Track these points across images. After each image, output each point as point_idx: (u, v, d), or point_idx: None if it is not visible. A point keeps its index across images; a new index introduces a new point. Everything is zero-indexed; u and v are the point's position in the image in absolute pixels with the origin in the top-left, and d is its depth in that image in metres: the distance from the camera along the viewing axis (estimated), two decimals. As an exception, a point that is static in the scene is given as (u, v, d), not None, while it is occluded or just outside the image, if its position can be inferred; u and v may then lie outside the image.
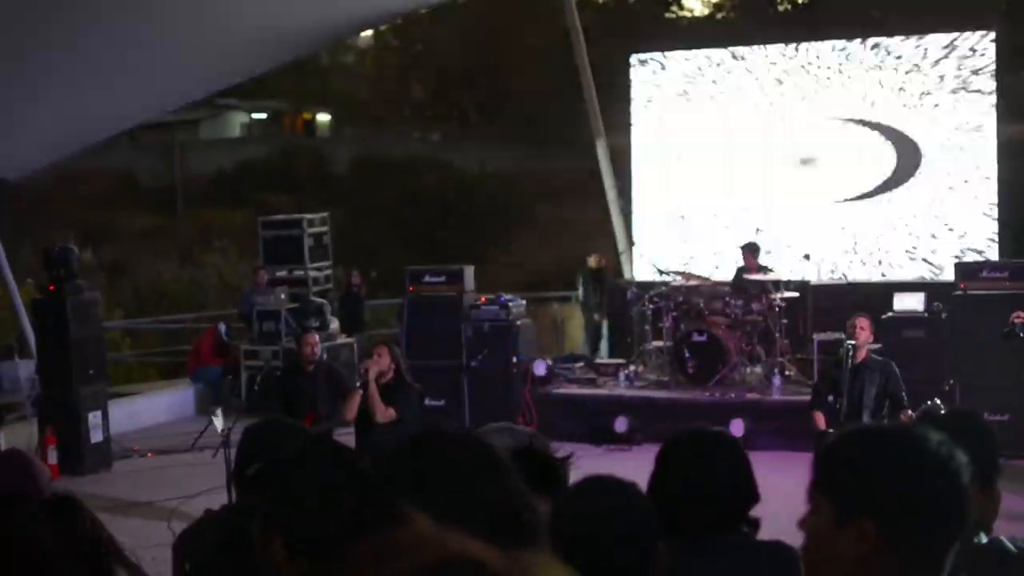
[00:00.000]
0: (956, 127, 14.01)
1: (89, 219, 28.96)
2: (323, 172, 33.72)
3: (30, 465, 3.69)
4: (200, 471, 10.16)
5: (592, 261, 16.01)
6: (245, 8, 11.94)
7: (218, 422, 8.24)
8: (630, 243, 15.73)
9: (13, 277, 14.72)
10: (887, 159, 14.35)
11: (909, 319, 11.61)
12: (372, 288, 19.20)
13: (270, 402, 9.44)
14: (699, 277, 13.01)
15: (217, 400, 13.24)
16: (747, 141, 14.78)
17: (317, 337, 9.93)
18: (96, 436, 11.67)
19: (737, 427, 10.93)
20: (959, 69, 14.00)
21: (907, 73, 14.22)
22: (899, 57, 14.31)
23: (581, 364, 13.98)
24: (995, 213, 13.95)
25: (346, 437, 8.45)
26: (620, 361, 13.51)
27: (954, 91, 14.01)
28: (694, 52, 15.52)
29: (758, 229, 13.45)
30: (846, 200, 14.44)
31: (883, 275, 14.13)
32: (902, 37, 14.40)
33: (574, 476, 2.49)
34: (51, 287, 11.65)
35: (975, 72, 13.95)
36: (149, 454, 12.34)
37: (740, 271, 13.20)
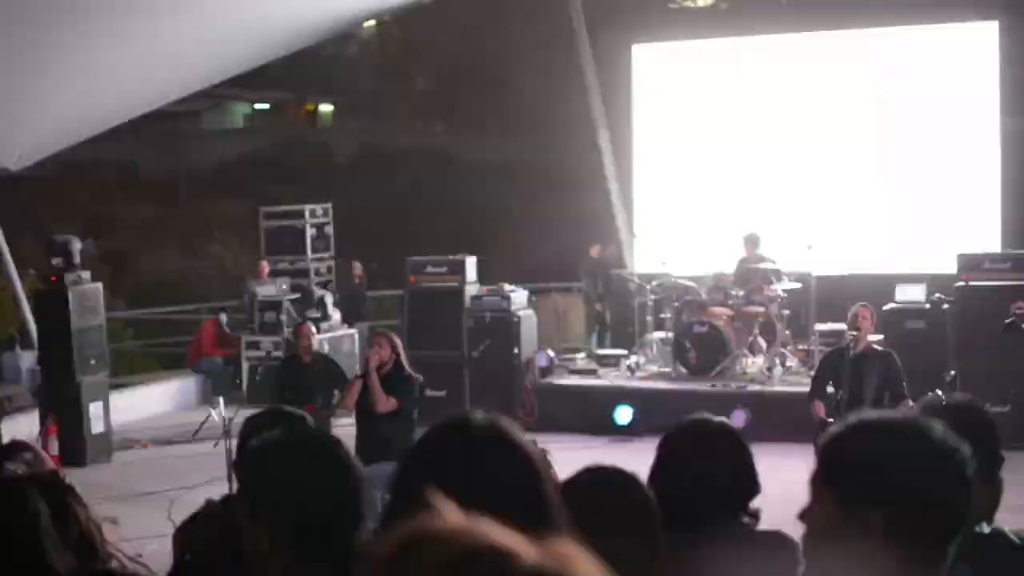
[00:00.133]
0: (959, 117, 13.99)
1: (91, 210, 28.93)
2: (325, 163, 33.67)
3: (34, 455, 3.69)
4: (201, 462, 10.17)
5: (594, 252, 16.00)
6: (247, -2, 11.93)
7: (216, 413, 8.24)
8: (632, 234, 15.73)
9: (15, 268, 14.73)
10: (890, 149, 14.33)
11: (911, 310, 11.61)
12: (374, 279, 19.16)
13: (269, 393, 9.46)
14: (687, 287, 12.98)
15: (218, 391, 13.25)
16: (749, 131, 14.76)
17: (313, 328, 9.95)
18: (97, 427, 11.69)
19: (738, 418, 10.91)
20: (962, 59, 13.97)
21: (910, 62, 14.19)
22: (902, 46, 14.28)
23: (582, 355, 13.98)
24: (998, 204, 13.94)
25: (348, 429, 8.46)
26: (622, 352, 13.51)
27: (957, 81, 13.98)
28: (696, 41, 15.49)
29: (760, 220, 13.43)
30: (848, 190, 14.41)
31: (885, 266, 14.12)
32: (905, 26, 14.37)
33: (574, 467, 2.48)
34: (53, 278, 11.66)
35: (978, 62, 13.92)
36: (150, 445, 12.35)
37: (742, 262, 13.19)
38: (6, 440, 5.49)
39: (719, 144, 14.91)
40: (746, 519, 2.88)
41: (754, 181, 14.71)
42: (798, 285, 12.76)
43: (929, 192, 14.13)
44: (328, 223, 15.84)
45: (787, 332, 12.62)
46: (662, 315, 13.02)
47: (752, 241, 13.23)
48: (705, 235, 14.83)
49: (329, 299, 14.96)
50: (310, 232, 15.45)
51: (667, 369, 12.68)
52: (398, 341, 8.47)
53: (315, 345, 9.71)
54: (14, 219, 16.78)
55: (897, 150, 14.32)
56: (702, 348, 12.32)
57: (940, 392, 8.28)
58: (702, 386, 12.12)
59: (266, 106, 41.80)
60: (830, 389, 9.10)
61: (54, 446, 11.14)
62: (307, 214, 15.51)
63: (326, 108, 41.71)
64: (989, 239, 13.73)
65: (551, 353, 13.27)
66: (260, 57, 14.88)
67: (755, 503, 2.89)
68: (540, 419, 11.97)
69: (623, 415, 11.93)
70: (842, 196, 14.40)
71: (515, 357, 12.73)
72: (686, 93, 15.21)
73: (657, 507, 2.41)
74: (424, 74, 37.86)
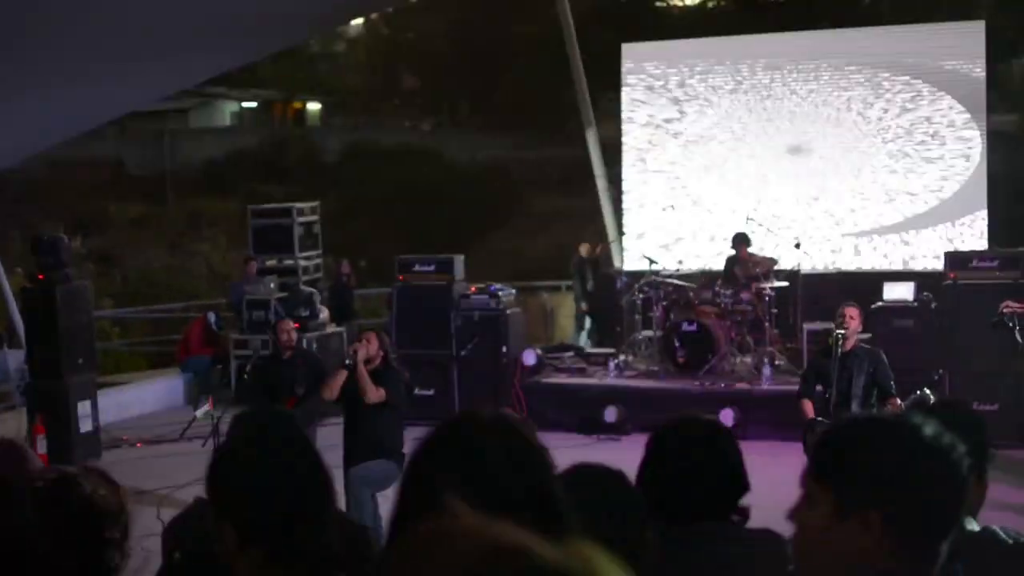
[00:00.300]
0: (946, 116, 14.02)
1: (78, 208, 28.86)
2: (313, 161, 33.62)
3: (22, 454, 3.67)
4: (189, 460, 10.13)
5: (583, 250, 16.01)
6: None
7: (200, 412, 8.22)
8: (620, 232, 15.73)
9: (2, 266, 14.67)
10: (877, 147, 14.36)
11: (899, 308, 11.63)
12: (362, 277, 19.16)
13: (251, 391, 9.41)
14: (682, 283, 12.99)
15: (206, 390, 13.21)
16: (738, 130, 14.78)
17: (292, 324, 9.91)
18: (85, 426, 11.64)
19: (727, 417, 10.93)
20: (950, 58, 14.01)
21: (898, 61, 14.23)
22: (890, 46, 14.31)
23: (571, 353, 13.98)
24: (985, 203, 13.97)
25: (336, 428, 8.44)
26: (610, 351, 13.51)
27: (944, 80, 14.02)
28: (686, 41, 15.51)
29: (749, 218, 13.46)
30: (837, 189, 14.45)
31: (873, 264, 14.15)
32: (893, 26, 14.41)
33: (562, 465, 2.48)
34: (40, 276, 11.60)
35: (966, 62, 13.95)
36: (138, 444, 12.33)
37: (730, 261, 13.21)
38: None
39: (707, 142, 14.93)
40: (735, 517, 2.87)
41: (743, 179, 14.73)
42: (786, 283, 12.79)
43: (917, 190, 14.16)
44: (316, 221, 15.80)
45: (775, 331, 12.64)
46: (651, 313, 13.02)
47: (741, 240, 13.24)
48: (694, 234, 14.86)
49: (317, 297, 14.92)
50: (298, 230, 15.41)
51: (656, 367, 12.68)
52: (387, 339, 8.44)
53: (294, 340, 9.66)
54: (1, 217, 16.73)
55: (884, 147, 14.34)
56: (691, 347, 12.32)
57: (928, 390, 8.31)
58: (691, 385, 12.12)
59: (254, 104, 41.73)
60: (818, 388, 9.10)
61: (42, 445, 11.08)
62: (295, 212, 15.47)
63: (314, 106, 41.66)
64: (976, 237, 13.79)
65: (539, 351, 13.26)
66: (248, 55, 14.84)
67: (744, 501, 2.89)
68: (528, 417, 11.96)
69: (611, 414, 11.94)
70: (831, 194, 14.42)
71: (503, 355, 12.72)
72: (675, 92, 15.21)
73: (645, 505, 2.42)
74: (412, 73, 37.86)
